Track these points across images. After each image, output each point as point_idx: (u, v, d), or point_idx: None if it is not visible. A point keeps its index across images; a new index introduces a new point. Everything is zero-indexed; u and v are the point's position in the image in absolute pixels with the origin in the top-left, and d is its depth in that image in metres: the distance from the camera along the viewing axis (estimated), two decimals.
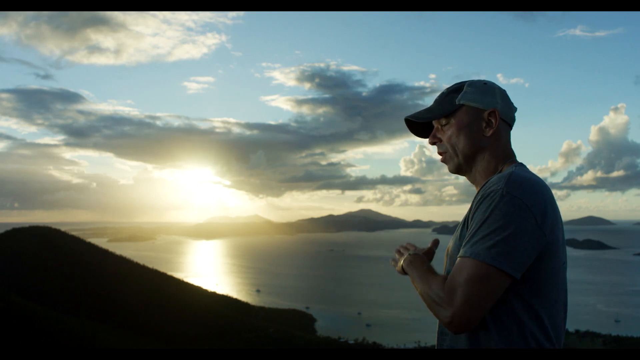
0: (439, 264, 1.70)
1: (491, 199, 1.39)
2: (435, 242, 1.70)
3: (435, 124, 1.66)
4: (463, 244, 1.42)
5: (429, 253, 1.67)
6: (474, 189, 1.67)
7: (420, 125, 1.71)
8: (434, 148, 1.67)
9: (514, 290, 1.39)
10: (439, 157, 1.67)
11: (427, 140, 1.72)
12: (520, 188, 1.38)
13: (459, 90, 1.61)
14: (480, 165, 1.59)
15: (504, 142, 1.59)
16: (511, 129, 1.64)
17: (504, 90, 1.63)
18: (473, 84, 1.61)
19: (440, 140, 1.63)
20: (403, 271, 1.62)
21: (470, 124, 1.57)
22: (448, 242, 1.65)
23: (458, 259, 1.41)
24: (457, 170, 1.63)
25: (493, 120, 1.56)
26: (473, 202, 1.48)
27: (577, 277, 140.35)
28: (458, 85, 1.63)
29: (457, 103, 1.59)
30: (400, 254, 1.69)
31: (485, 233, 1.36)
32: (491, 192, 1.40)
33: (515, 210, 1.35)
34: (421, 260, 1.57)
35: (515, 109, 1.65)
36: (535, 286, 1.40)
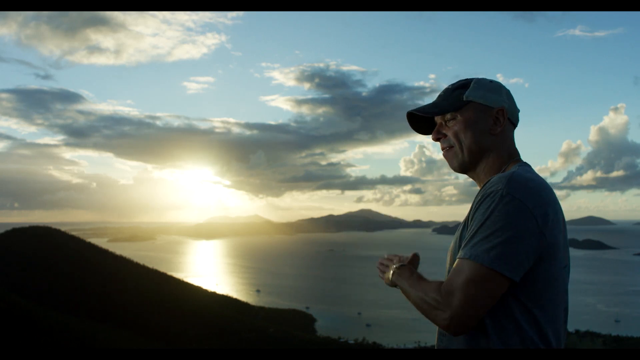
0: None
1: (491, 199, 1.36)
2: (416, 257, 1.68)
3: (439, 119, 1.61)
4: (462, 244, 1.39)
5: (413, 262, 1.65)
6: (473, 189, 1.65)
7: (421, 121, 1.67)
8: (435, 148, 1.61)
9: (513, 294, 1.36)
10: (441, 156, 1.63)
11: (425, 137, 1.67)
12: (521, 189, 1.35)
13: (465, 86, 1.58)
14: (485, 164, 1.56)
15: (509, 142, 1.57)
16: (515, 128, 1.62)
17: (509, 89, 1.61)
18: (480, 81, 1.58)
19: (445, 136, 1.59)
20: (393, 284, 1.60)
21: (478, 121, 1.54)
22: (448, 242, 1.61)
23: (457, 260, 1.38)
24: (460, 167, 1.59)
25: (501, 119, 1.54)
26: (474, 202, 1.45)
27: (577, 277, 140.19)
28: (464, 81, 1.60)
29: (465, 99, 1.55)
30: (385, 266, 1.67)
31: (485, 235, 1.33)
32: (491, 193, 1.37)
33: (516, 211, 1.32)
34: (409, 269, 1.55)
35: (518, 110, 1.63)
36: (535, 290, 1.38)
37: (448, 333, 1.38)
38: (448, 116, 1.57)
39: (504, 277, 1.31)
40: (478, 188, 1.62)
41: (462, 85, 1.58)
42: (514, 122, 1.60)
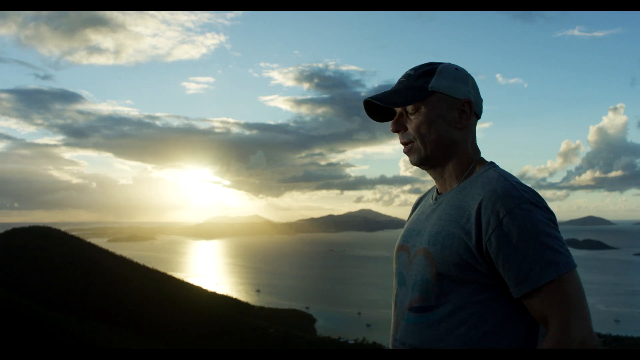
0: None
1: (530, 211, 1.25)
2: None
3: (399, 109, 1.44)
4: (521, 273, 1.23)
5: None
6: None
7: (379, 107, 1.50)
8: None
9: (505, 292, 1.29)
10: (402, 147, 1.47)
11: (382, 124, 1.54)
12: (535, 194, 1.29)
13: (430, 74, 1.41)
14: (451, 162, 1.42)
15: (472, 136, 1.44)
16: (478, 120, 1.48)
17: (473, 77, 1.47)
18: (446, 68, 1.42)
19: (405, 129, 1.43)
20: None
21: (444, 114, 1.39)
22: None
23: (548, 288, 1.22)
24: (421, 163, 1.44)
25: (467, 111, 1.40)
26: (484, 218, 1.27)
27: None
28: (429, 67, 1.43)
29: (429, 89, 1.39)
30: None
31: (550, 244, 1.23)
32: (521, 204, 1.25)
33: (550, 218, 1.27)
34: None
35: (481, 100, 1.48)
36: None
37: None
38: (411, 107, 1.41)
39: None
40: (438, 184, 1.51)
41: (427, 73, 1.42)
42: (478, 115, 1.45)
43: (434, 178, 1.48)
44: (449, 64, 1.44)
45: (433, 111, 1.38)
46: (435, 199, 1.46)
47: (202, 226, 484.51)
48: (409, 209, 1.63)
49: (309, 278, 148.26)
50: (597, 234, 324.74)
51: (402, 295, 1.41)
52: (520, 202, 1.25)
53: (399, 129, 1.44)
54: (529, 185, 1.32)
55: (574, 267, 1.23)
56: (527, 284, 1.22)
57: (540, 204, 1.26)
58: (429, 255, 1.33)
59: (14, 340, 50.84)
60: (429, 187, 1.57)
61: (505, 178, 1.32)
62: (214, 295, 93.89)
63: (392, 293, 1.48)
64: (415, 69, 1.44)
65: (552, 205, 1.28)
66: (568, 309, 1.22)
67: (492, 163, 1.42)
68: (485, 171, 1.37)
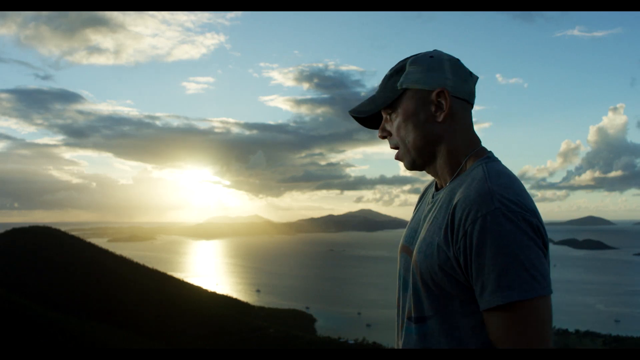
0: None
1: (497, 224, 1.08)
2: None
3: (383, 114, 1.34)
4: (478, 289, 1.11)
5: None
6: None
7: (370, 116, 1.38)
8: None
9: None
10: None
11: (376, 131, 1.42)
12: (516, 200, 1.11)
13: (400, 71, 1.30)
14: (440, 159, 1.28)
15: (462, 126, 1.27)
16: (472, 106, 1.30)
17: (457, 59, 1.29)
18: (417, 60, 1.28)
19: (390, 134, 1.33)
20: None
21: (417, 111, 1.26)
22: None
23: (501, 312, 1.08)
24: (412, 167, 1.33)
25: (443, 102, 1.24)
26: (453, 215, 1.16)
27: (577, 277, 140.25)
28: (400, 64, 1.31)
29: (399, 88, 1.28)
30: None
31: (508, 266, 1.06)
32: (487, 215, 1.09)
33: (526, 233, 1.09)
34: None
35: (475, 79, 1.30)
36: None
37: None
38: (389, 110, 1.31)
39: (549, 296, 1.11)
40: (438, 181, 1.38)
41: (398, 70, 1.30)
42: (467, 99, 1.28)
43: (433, 176, 1.38)
44: (424, 54, 1.30)
45: (406, 110, 1.27)
46: (433, 196, 1.34)
47: (202, 226, 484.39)
48: (409, 209, 1.52)
49: (309, 278, 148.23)
50: (597, 234, 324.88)
51: (404, 302, 1.31)
52: (488, 211, 1.09)
53: (384, 134, 1.35)
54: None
55: (540, 294, 1.06)
56: (482, 303, 1.11)
57: (515, 216, 1.09)
58: (416, 263, 1.24)
59: (14, 340, 50.83)
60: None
61: (487, 179, 1.15)
62: (214, 295, 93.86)
63: (395, 296, 1.38)
64: (392, 68, 1.33)
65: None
66: (521, 340, 1.07)
67: (485, 158, 1.25)
68: (475, 168, 1.22)
